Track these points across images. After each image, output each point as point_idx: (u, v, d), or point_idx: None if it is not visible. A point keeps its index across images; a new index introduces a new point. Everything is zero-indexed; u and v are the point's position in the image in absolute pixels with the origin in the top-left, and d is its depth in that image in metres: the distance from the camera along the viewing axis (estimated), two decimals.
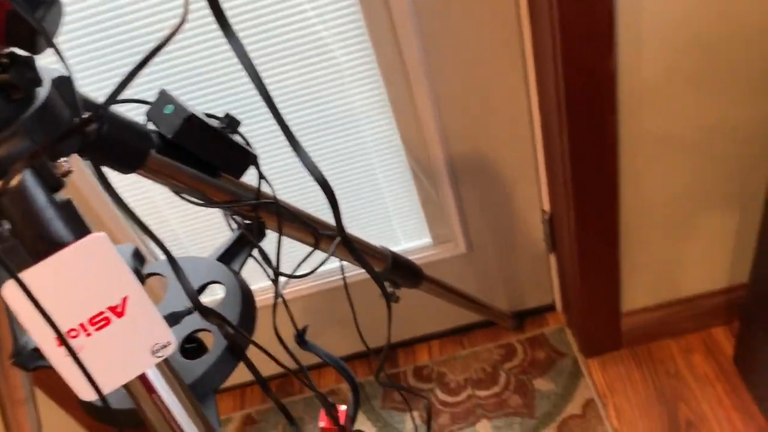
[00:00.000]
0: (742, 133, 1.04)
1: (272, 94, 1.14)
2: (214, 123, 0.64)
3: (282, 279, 0.73)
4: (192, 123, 0.60)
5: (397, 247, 1.34)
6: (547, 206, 1.28)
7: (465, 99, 1.11)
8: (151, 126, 0.63)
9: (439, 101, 1.10)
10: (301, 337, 0.85)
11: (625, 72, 0.96)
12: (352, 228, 1.29)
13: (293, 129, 1.11)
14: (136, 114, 0.63)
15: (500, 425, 1.33)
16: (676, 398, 1.28)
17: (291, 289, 1.36)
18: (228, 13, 0.45)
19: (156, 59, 1.01)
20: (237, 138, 0.67)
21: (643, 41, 0.92)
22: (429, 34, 1.02)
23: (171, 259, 0.52)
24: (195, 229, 1.25)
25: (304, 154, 0.50)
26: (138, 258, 0.62)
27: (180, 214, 1.22)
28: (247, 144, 0.68)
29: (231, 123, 0.65)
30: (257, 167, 0.69)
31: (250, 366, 0.62)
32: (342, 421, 0.74)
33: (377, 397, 1.45)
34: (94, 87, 1.03)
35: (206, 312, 0.54)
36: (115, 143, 0.56)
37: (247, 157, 0.67)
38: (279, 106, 1.08)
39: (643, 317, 1.34)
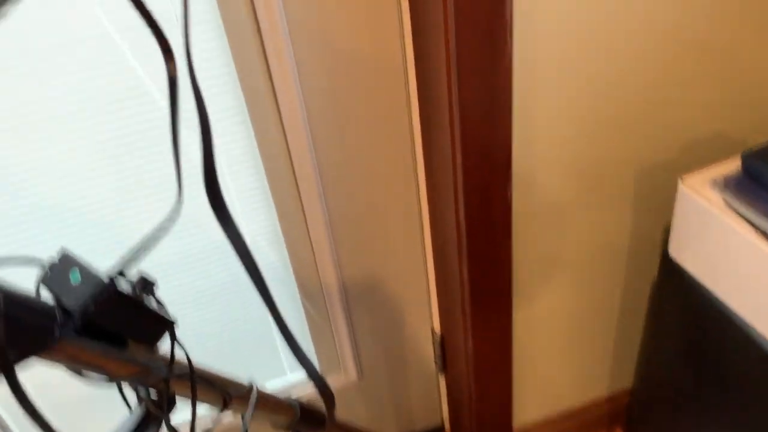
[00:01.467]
0: (624, 250, 1.11)
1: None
2: (127, 287, 0.54)
3: None
4: (109, 296, 0.49)
5: (282, 379, 1.23)
6: (437, 327, 1.26)
7: (358, 222, 1.07)
8: (44, 291, 0.51)
9: (333, 226, 1.06)
10: None
11: (520, 197, 0.99)
12: (235, 361, 1.17)
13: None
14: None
15: None
16: None
17: None
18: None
19: None
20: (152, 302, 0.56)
21: (536, 169, 0.96)
22: (323, 157, 0.99)
23: None
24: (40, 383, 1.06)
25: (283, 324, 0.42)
26: None
27: None
28: (162, 307, 0.58)
29: (146, 286, 0.55)
30: (172, 334, 0.59)
31: None
32: None
33: None
34: None
35: None
36: (9, 325, 0.44)
37: (163, 325, 0.57)
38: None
39: None
